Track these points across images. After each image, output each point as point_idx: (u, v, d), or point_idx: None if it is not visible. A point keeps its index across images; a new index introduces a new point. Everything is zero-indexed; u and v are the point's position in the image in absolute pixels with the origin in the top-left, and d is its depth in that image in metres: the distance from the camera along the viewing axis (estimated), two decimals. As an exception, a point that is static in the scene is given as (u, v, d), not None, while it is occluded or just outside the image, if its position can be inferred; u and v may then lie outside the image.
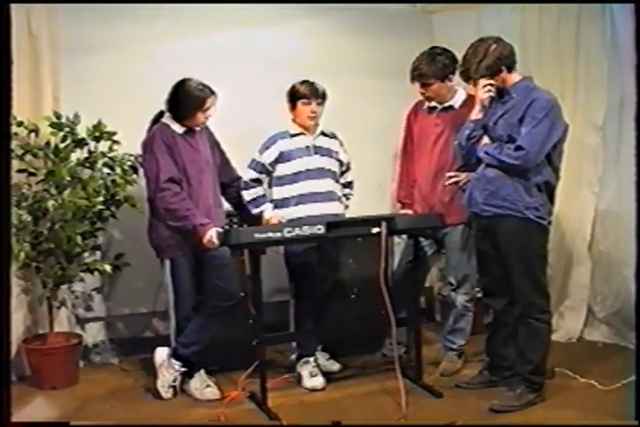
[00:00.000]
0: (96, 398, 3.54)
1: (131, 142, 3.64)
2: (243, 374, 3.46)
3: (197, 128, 3.50)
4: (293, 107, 3.65)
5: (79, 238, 3.60)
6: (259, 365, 3.34)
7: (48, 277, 3.64)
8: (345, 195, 3.86)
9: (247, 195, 3.69)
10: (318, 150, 3.68)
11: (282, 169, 3.65)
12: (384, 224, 3.32)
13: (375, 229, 3.33)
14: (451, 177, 3.62)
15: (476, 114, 3.31)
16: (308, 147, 3.66)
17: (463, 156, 3.44)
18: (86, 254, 3.84)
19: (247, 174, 3.69)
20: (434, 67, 3.57)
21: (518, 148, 3.12)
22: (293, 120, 3.69)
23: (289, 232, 3.20)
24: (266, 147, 3.66)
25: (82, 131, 3.71)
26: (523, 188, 3.19)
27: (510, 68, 3.21)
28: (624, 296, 3.98)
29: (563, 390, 3.46)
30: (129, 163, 3.77)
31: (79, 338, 3.85)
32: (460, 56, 3.35)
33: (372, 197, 4.33)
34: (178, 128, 3.45)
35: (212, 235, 3.30)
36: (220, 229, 3.33)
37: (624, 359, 3.71)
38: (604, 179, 4.16)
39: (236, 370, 3.57)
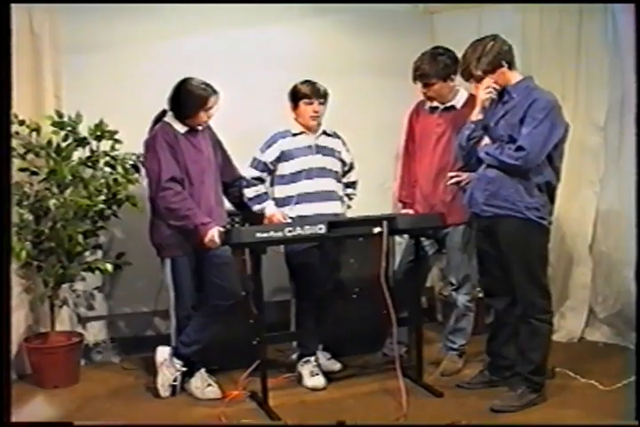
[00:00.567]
0: (97, 397, 3.55)
1: (132, 141, 3.64)
2: (243, 373, 3.47)
3: (199, 127, 3.50)
4: (295, 106, 3.66)
5: (80, 237, 3.60)
6: (260, 364, 3.34)
7: (49, 276, 3.65)
8: (348, 195, 3.87)
9: (249, 192, 3.69)
10: (320, 150, 3.68)
11: (283, 168, 3.66)
12: (385, 224, 3.32)
13: (376, 229, 3.32)
14: (452, 177, 3.62)
15: (476, 115, 3.31)
16: (309, 146, 3.66)
17: (464, 156, 3.44)
18: (87, 253, 3.85)
19: (249, 173, 3.69)
20: (436, 67, 3.57)
21: (519, 148, 3.12)
22: (295, 119, 3.69)
23: (290, 232, 3.20)
24: (268, 145, 3.67)
25: (83, 130, 3.71)
26: (523, 188, 3.18)
27: (510, 65, 3.20)
28: (625, 297, 3.98)
29: (563, 390, 3.47)
30: (131, 162, 3.77)
31: (80, 337, 3.85)
32: (461, 56, 3.35)
33: (373, 196, 4.32)
34: (180, 127, 3.45)
35: (213, 234, 3.30)
36: (222, 229, 3.33)
37: (625, 360, 3.71)
38: (605, 179, 4.16)
39: (236, 369, 3.58)
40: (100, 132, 3.71)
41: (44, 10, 3.74)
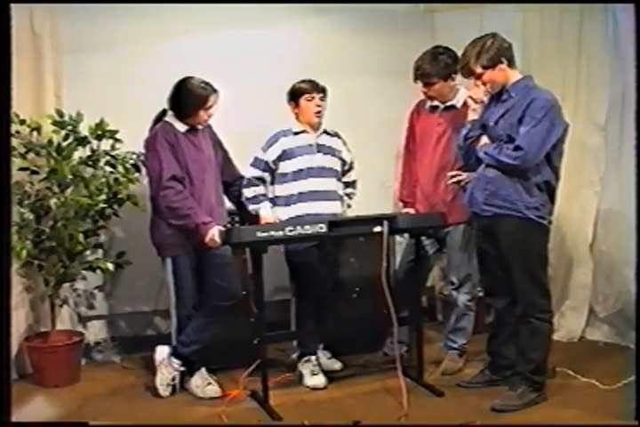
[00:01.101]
0: (98, 396, 3.55)
1: (133, 141, 3.64)
2: (244, 372, 3.47)
3: (200, 127, 3.51)
4: (297, 105, 3.66)
5: (81, 236, 3.60)
6: (260, 363, 3.34)
7: (50, 275, 3.65)
8: (348, 194, 3.86)
9: (248, 192, 3.69)
10: (321, 149, 3.68)
11: (284, 167, 3.66)
12: (386, 223, 3.32)
13: (377, 228, 3.33)
14: (452, 176, 3.62)
15: (470, 115, 3.32)
16: (310, 145, 3.67)
17: (463, 156, 3.45)
18: (88, 253, 3.84)
19: (250, 172, 3.69)
20: (436, 66, 3.57)
21: (517, 148, 3.11)
22: (297, 118, 3.69)
23: (291, 231, 3.20)
24: (269, 144, 3.67)
25: (84, 129, 3.71)
26: (523, 188, 3.18)
27: (510, 62, 3.20)
28: (625, 296, 3.98)
29: (564, 389, 3.47)
30: (131, 161, 3.77)
31: (81, 336, 3.86)
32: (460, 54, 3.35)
33: (374, 196, 4.32)
34: (180, 127, 3.45)
35: (214, 233, 3.30)
36: (222, 228, 3.33)
37: (625, 359, 3.71)
38: (605, 179, 4.16)
39: (237, 368, 3.58)
40: (101, 131, 3.71)
41: (45, 10, 3.74)
